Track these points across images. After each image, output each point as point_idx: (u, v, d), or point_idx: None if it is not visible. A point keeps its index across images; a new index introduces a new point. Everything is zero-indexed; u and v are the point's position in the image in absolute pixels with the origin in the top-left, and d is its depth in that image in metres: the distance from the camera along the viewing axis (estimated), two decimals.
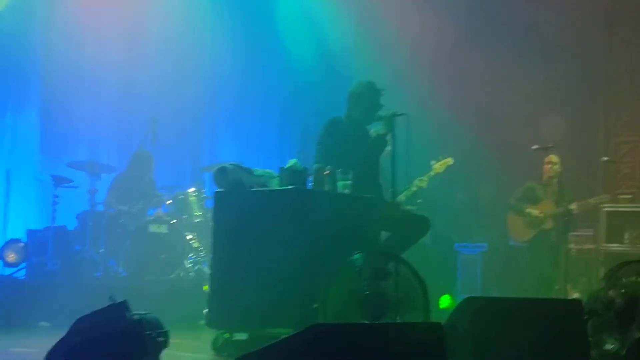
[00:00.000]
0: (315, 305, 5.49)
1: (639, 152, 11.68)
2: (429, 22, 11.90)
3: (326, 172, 6.04)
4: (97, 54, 11.35)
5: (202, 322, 6.51)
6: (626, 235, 10.08)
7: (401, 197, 7.76)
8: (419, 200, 8.75)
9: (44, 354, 4.33)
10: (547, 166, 9.46)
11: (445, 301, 9.74)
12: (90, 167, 9.68)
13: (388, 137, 6.49)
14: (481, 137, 11.84)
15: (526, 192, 9.62)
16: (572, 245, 9.87)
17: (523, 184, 9.79)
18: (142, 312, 4.61)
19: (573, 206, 9.41)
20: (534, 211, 9.48)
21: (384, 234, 6.56)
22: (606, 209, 10.18)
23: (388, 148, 6.79)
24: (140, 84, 11.56)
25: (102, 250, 9.52)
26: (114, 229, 9.69)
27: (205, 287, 7.85)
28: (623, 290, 5.46)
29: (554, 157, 9.34)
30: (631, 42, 11.63)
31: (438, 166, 8.59)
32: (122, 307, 4.40)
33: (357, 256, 5.70)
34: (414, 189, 8.39)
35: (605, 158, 10.98)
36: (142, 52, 11.58)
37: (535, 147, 9.11)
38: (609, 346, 5.35)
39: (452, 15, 12.00)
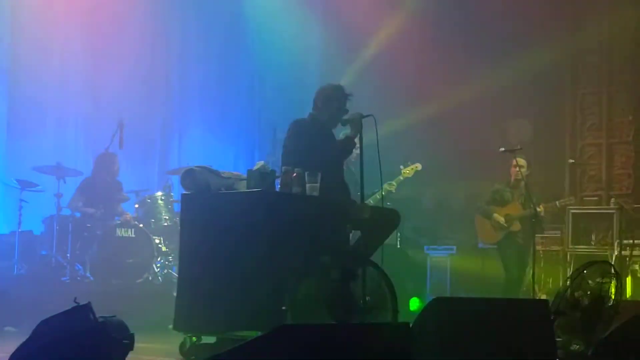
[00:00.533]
0: (284, 307, 5.48)
1: (604, 155, 11.80)
2: (394, 26, 11.96)
3: (294, 175, 6.03)
4: (64, 57, 11.28)
5: (170, 325, 6.46)
6: (592, 237, 10.18)
7: (370, 202, 7.80)
8: (387, 204, 8.77)
9: None
10: (514, 169, 9.47)
11: (414, 303, 9.78)
12: (57, 171, 9.60)
13: (356, 139, 6.48)
14: (449, 140, 11.92)
15: (494, 194, 9.63)
16: (539, 247, 9.95)
17: (491, 187, 9.79)
18: (107, 315, 4.57)
19: (540, 208, 9.46)
20: (501, 214, 9.49)
21: (354, 234, 6.54)
22: (572, 211, 10.27)
23: (356, 150, 6.80)
24: (107, 87, 11.46)
25: (68, 254, 9.43)
26: (81, 233, 9.61)
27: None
28: (589, 291, 5.51)
29: (521, 160, 9.36)
30: (596, 46, 11.75)
31: (407, 171, 8.64)
32: (86, 309, 4.36)
33: (325, 258, 5.70)
34: (383, 193, 8.44)
35: (572, 160, 11.09)
36: (109, 54, 11.49)
37: (502, 149, 9.15)
38: (575, 346, 5.40)
39: (418, 19, 12.07)
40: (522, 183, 9.38)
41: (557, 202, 9.84)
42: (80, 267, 9.51)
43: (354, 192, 7.13)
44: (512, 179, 9.58)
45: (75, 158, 10.84)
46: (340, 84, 6.86)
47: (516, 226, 9.50)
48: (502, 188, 9.63)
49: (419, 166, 8.69)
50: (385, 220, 6.49)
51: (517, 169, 9.31)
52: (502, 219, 9.46)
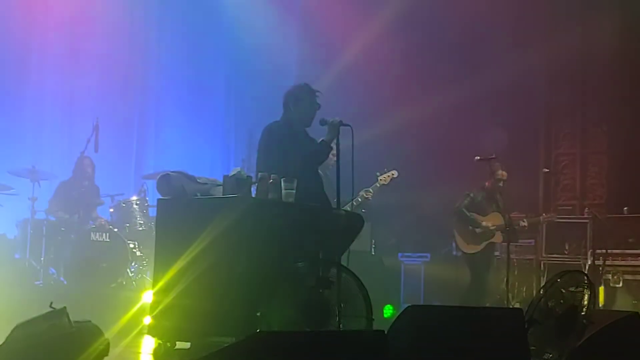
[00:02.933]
0: (258, 314, 5.48)
1: (578, 164, 11.90)
2: (371, 33, 12.01)
3: (270, 181, 6.03)
4: (40, 60, 11.22)
5: (144, 331, 6.44)
6: (566, 246, 10.24)
7: (347, 208, 7.80)
8: (363, 210, 8.78)
9: None
10: (494, 179, 9.42)
11: (388, 311, 9.79)
12: (31, 174, 9.54)
13: (332, 144, 6.48)
14: (424, 148, 11.97)
15: (472, 202, 9.57)
16: (513, 256, 9.99)
17: (465, 194, 9.75)
18: (82, 320, 4.55)
19: (524, 222, 9.51)
20: (486, 223, 9.47)
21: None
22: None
23: (332, 157, 6.79)
24: (83, 90, 11.43)
25: (42, 258, 9.38)
26: (55, 237, 9.55)
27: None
28: (562, 300, 5.55)
29: (504, 173, 9.39)
30: (571, 56, 11.83)
31: (383, 178, 8.66)
32: (62, 314, 4.34)
33: (300, 264, 5.70)
34: (359, 199, 8.46)
35: (546, 170, 11.16)
36: (85, 58, 11.46)
37: (477, 158, 9.18)
38: (548, 355, 5.43)
39: (395, 27, 12.12)
40: (498, 194, 9.44)
41: (540, 217, 9.90)
42: (54, 271, 9.46)
43: (330, 199, 7.14)
44: (490, 188, 9.54)
45: (51, 161, 10.77)
46: (306, 82, 6.85)
47: (498, 237, 9.51)
48: (478, 197, 9.60)
49: (395, 173, 8.72)
50: (348, 225, 6.47)
51: (502, 183, 9.38)
52: (491, 227, 9.44)
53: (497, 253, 10.18)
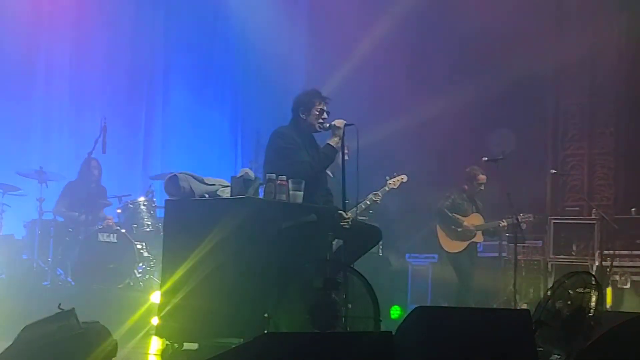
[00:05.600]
0: (266, 315, 5.48)
1: (586, 165, 11.87)
2: (378, 35, 12.01)
3: (278, 182, 6.04)
4: (48, 61, 11.24)
5: (152, 332, 6.45)
6: (573, 247, 10.23)
7: (355, 210, 7.81)
8: (370, 212, 8.81)
9: None
10: (475, 183, 9.65)
11: (395, 312, 9.80)
12: (39, 175, 9.57)
13: (338, 146, 6.50)
14: (432, 150, 11.97)
15: (454, 203, 9.73)
16: (520, 257, 10.00)
17: (444, 195, 9.85)
18: (90, 321, 4.56)
19: (503, 223, 9.59)
20: (467, 223, 9.62)
21: (335, 243, 6.54)
22: (554, 221, 10.33)
23: (338, 158, 6.81)
24: (91, 91, 11.45)
25: (50, 259, 9.40)
26: (63, 238, 9.57)
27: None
28: (570, 302, 5.53)
29: (483, 176, 9.59)
30: (579, 57, 11.81)
31: (392, 182, 8.70)
32: (70, 315, 4.36)
33: (308, 266, 5.71)
34: (368, 202, 8.49)
35: (554, 171, 11.14)
36: (93, 58, 11.48)
37: (485, 159, 9.26)
38: (555, 356, 5.42)
39: (401, 29, 12.13)
40: (477, 197, 9.82)
41: (519, 217, 9.91)
42: (61, 271, 9.47)
43: (338, 200, 7.14)
44: (470, 191, 9.75)
45: (59, 162, 10.79)
46: (316, 88, 6.85)
47: (479, 237, 9.75)
48: (459, 198, 9.77)
49: (404, 178, 8.76)
50: (366, 234, 6.51)
51: (482, 187, 9.69)
52: (471, 227, 9.59)
53: (504, 254, 10.22)
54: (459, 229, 9.64)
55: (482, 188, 9.73)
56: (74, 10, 11.33)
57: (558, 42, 11.86)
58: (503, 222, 9.59)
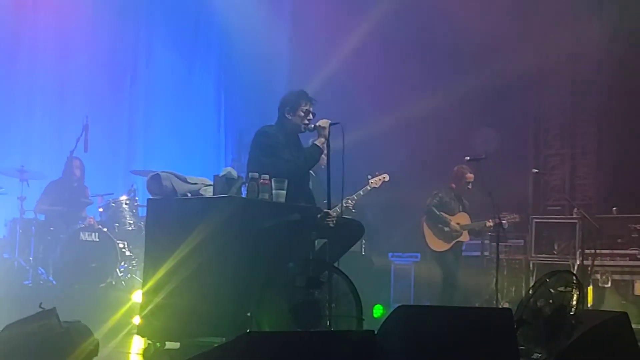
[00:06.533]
0: (248, 314, 5.48)
1: (568, 165, 11.93)
2: (361, 34, 12.02)
3: (261, 181, 6.03)
4: (29, 59, 11.18)
5: (134, 331, 6.43)
6: (555, 246, 10.27)
7: (337, 210, 7.81)
8: (353, 211, 8.81)
9: None
10: (463, 182, 9.64)
11: (378, 311, 9.80)
12: (21, 173, 9.52)
13: (323, 147, 6.50)
14: (414, 148, 11.99)
15: (441, 202, 9.71)
16: (502, 256, 10.04)
17: (432, 193, 9.84)
18: (71, 321, 4.54)
19: (489, 223, 9.60)
20: (454, 222, 9.62)
21: (318, 242, 6.54)
22: (536, 220, 10.36)
23: (324, 156, 6.81)
24: (73, 89, 11.39)
25: (31, 258, 9.35)
26: (44, 237, 9.54)
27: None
28: (551, 300, 5.56)
29: (471, 175, 9.59)
30: (561, 57, 11.87)
31: (374, 181, 8.71)
32: (51, 314, 4.34)
33: (291, 265, 5.70)
34: (350, 201, 8.49)
35: (535, 170, 11.18)
36: (75, 56, 11.42)
37: (467, 158, 9.26)
38: (537, 355, 5.45)
39: (385, 28, 12.13)
40: (463, 196, 9.80)
41: (505, 220, 9.93)
42: (43, 270, 9.43)
43: (320, 199, 7.14)
44: (457, 189, 9.75)
45: (41, 161, 10.74)
46: (304, 89, 6.85)
47: (465, 236, 9.72)
48: (447, 197, 9.76)
49: (386, 177, 8.77)
50: (349, 231, 6.50)
51: (470, 185, 9.66)
52: (458, 227, 9.60)
53: (486, 253, 10.26)
54: (446, 228, 9.62)
55: (470, 187, 9.70)
56: (56, 7, 11.28)
57: (541, 42, 11.90)
58: (489, 221, 9.60)
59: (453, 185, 9.80)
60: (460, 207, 9.81)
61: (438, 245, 9.69)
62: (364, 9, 12.22)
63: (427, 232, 9.75)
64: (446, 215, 9.64)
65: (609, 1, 11.59)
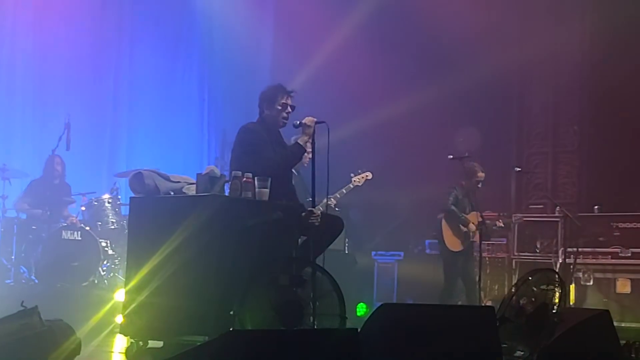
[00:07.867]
0: (231, 312, 5.47)
1: (550, 163, 11.99)
2: (345, 32, 12.03)
3: (244, 179, 6.02)
4: (9, 57, 11.11)
5: (116, 330, 6.41)
6: (537, 245, 10.31)
7: (320, 208, 7.80)
8: (336, 209, 8.81)
9: None
10: (474, 180, 9.40)
11: (361, 309, 9.82)
12: (2, 172, 9.47)
13: (306, 145, 6.48)
14: (397, 147, 12.01)
15: (456, 201, 9.46)
16: (485, 254, 10.06)
17: (448, 191, 9.63)
18: (53, 319, 4.52)
19: (500, 223, 9.54)
20: (470, 222, 9.36)
21: (300, 239, 6.53)
22: (518, 219, 10.39)
23: (307, 155, 6.81)
24: (55, 87, 11.33)
25: (13, 256, 9.31)
26: (26, 235, 9.49)
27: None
28: (533, 298, 5.59)
29: (482, 173, 9.38)
30: (543, 57, 11.92)
31: (357, 179, 8.69)
32: (33, 313, 4.32)
33: (274, 263, 5.70)
34: (333, 199, 8.49)
35: (518, 168, 11.20)
36: (57, 54, 11.36)
37: (451, 156, 9.19)
38: (519, 352, 5.47)
39: (368, 27, 12.15)
40: (473, 194, 9.46)
41: (513, 218, 9.92)
42: (25, 269, 9.38)
43: (303, 198, 7.14)
44: (468, 187, 9.45)
45: (22, 159, 10.68)
46: (281, 83, 6.81)
47: (476, 236, 9.38)
48: (460, 195, 9.51)
49: (369, 175, 8.75)
50: (329, 226, 6.48)
51: (480, 184, 9.37)
52: (474, 228, 9.31)
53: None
54: (464, 229, 9.33)
55: (480, 185, 9.40)
56: (37, 3, 11.21)
57: (523, 40, 11.95)
58: (500, 222, 9.49)
59: (463, 183, 9.46)
60: (471, 205, 9.48)
61: (455, 245, 9.36)
62: (346, 9, 12.22)
63: (446, 231, 9.39)
64: (466, 216, 9.40)
65: (590, 4, 11.64)
